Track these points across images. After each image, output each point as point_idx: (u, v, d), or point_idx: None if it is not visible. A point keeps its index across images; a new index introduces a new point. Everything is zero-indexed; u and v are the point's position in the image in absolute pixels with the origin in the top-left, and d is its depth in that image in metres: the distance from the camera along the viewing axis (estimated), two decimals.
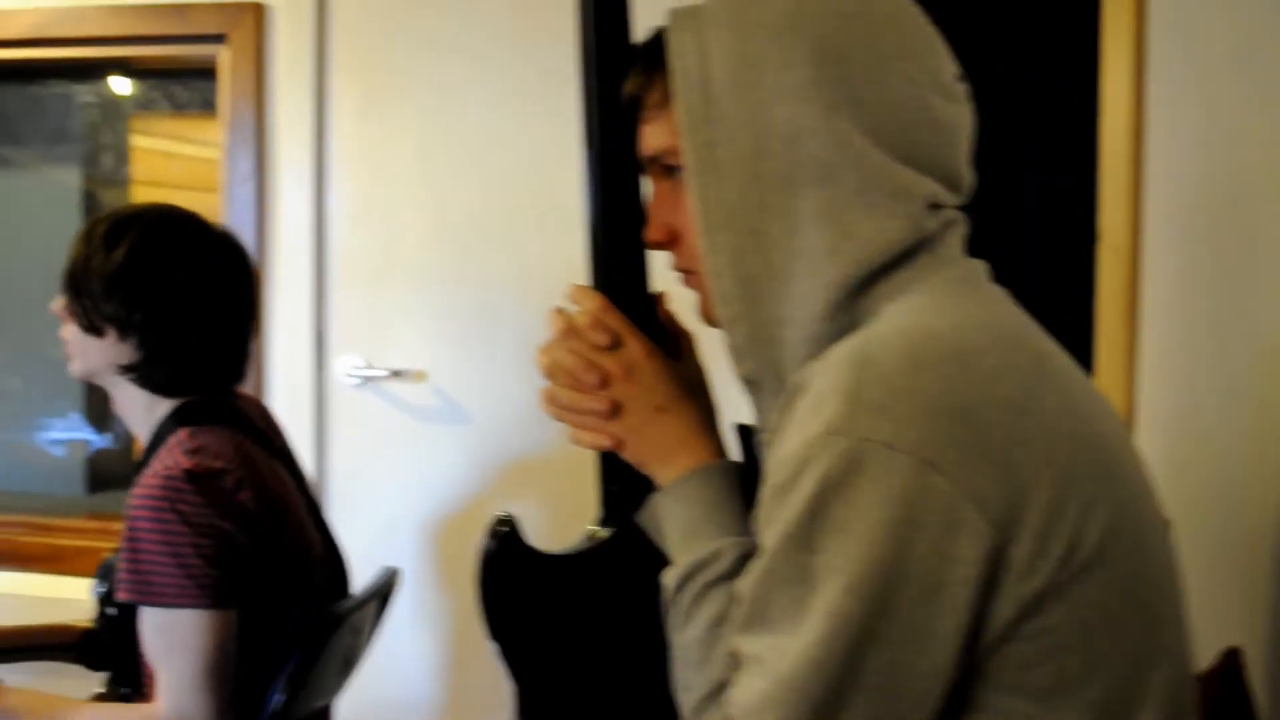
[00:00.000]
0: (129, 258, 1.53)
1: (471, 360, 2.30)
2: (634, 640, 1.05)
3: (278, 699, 1.52)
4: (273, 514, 1.56)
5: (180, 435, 1.52)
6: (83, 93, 2.97)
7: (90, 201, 3.01)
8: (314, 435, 2.36)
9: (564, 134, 2.22)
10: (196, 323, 1.57)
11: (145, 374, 1.57)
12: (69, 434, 3.11)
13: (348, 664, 1.73)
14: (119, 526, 2.60)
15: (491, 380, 2.30)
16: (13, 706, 1.52)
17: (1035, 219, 2.09)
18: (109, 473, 3.10)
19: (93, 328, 1.56)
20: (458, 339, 2.30)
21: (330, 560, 1.73)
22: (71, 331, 1.60)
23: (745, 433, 1.10)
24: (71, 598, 2.48)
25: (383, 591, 1.77)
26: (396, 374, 2.32)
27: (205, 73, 2.62)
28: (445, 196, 2.29)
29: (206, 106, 2.69)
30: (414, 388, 2.32)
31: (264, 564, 1.52)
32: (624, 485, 1.06)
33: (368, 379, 2.33)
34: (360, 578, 1.79)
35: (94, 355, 1.58)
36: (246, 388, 2.35)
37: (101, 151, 3.05)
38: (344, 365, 2.34)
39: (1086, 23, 2.00)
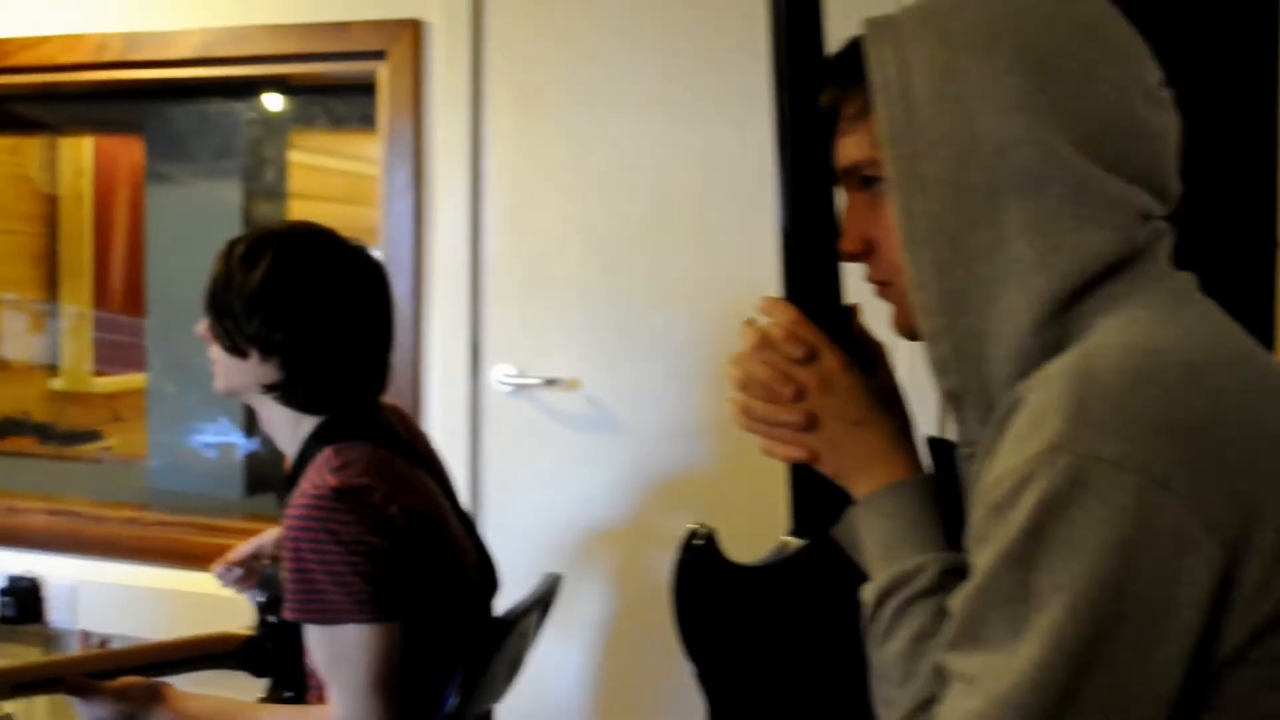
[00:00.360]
0: (267, 278, 1.55)
1: (624, 370, 2.32)
2: (827, 653, 1.05)
3: (452, 702, 1.56)
4: (421, 524, 1.57)
5: (326, 454, 1.55)
6: (243, 110, 3.07)
7: (250, 216, 3.11)
8: (468, 443, 2.40)
9: (715, 146, 2.25)
10: (337, 340, 1.59)
11: (288, 392, 1.59)
12: (220, 438, 3.22)
13: (513, 668, 1.76)
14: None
15: (644, 390, 2.31)
16: (190, 712, 1.57)
17: (1211, 223, 2.03)
18: (265, 475, 3.20)
19: (235, 349, 1.59)
20: (611, 348, 2.32)
21: (481, 563, 1.75)
22: (216, 352, 1.63)
23: (937, 446, 1.08)
24: (233, 596, 2.57)
25: (547, 597, 1.80)
26: (550, 382, 2.34)
27: (361, 88, 2.69)
28: (599, 207, 2.31)
29: (363, 121, 2.77)
30: (567, 396, 2.35)
31: (417, 574, 1.54)
32: (816, 497, 1.06)
33: (521, 387, 2.36)
34: (510, 583, 1.81)
35: (238, 375, 1.61)
36: (405, 397, 2.43)
37: (261, 166, 3.14)
38: (498, 374, 2.37)
39: (1265, 20, 1.93)
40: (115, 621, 2.67)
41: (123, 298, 4.24)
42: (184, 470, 3.19)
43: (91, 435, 4.07)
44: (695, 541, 1.10)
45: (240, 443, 3.20)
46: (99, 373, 4.20)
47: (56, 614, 2.73)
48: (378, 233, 2.52)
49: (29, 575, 2.74)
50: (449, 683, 1.57)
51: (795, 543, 1.09)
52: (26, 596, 2.73)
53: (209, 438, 3.21)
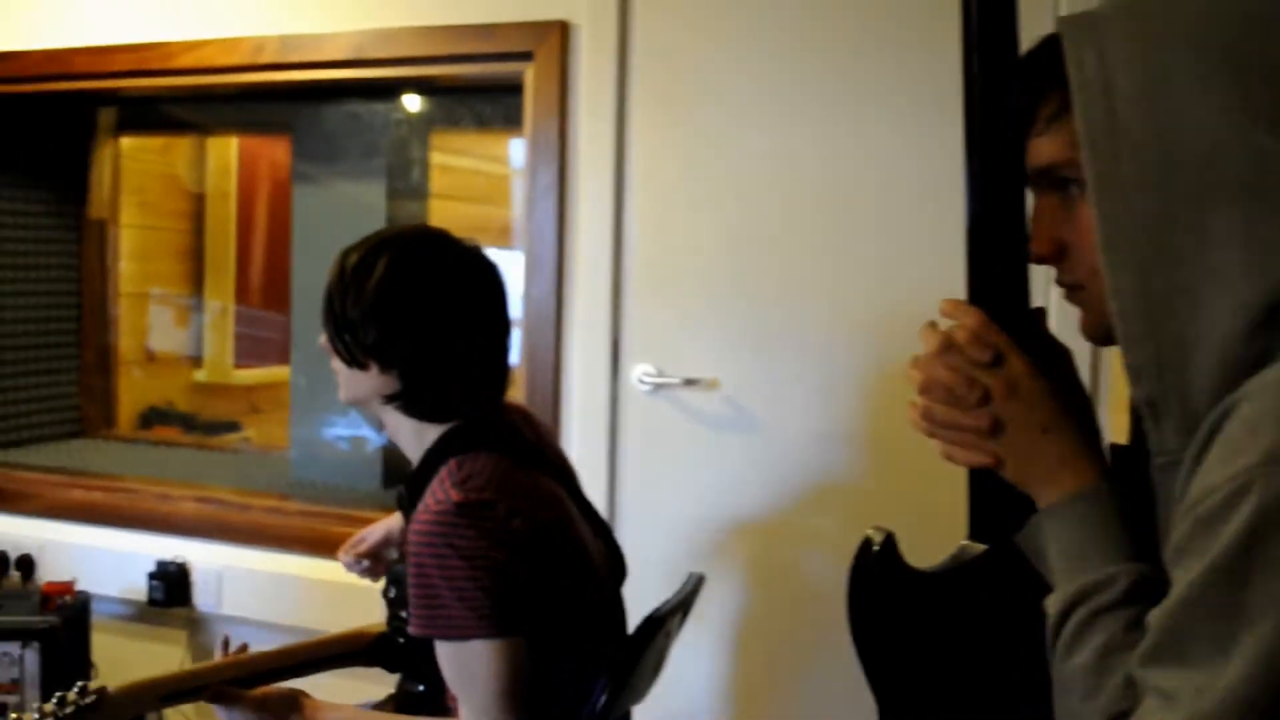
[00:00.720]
0: (381, 289, 1.53)
1: (764, 371, 2.31)
2: (1004, 662, 1.03)
3: (601, 701, 1.55)
4: (547, 534, 1.55)
5: (450, 466, 1.53)
6: (387, 110, 3.13)
7: (393, 215, 3.17)
8: (606, 441, 2.41)
9: (862, 147, 2.23)
10: (455, 347, 1.56)
11: (409, 403, 1.58)
12: (356, 431, 3.29)
13: (656, 668, 1.76)
14: None
15: (783, 392, 2.29)
16: None
17: None
18: (402, 468, 3.25)
19: (355, 361, 1.58)
20: (751, 349, 2.31)
21: (611, 558, 1.74)
22: (338, 363, 1.62)
23: (1122, 454, 1.06)
24: (375, 585, 2.62)
25: (690, 597, 1.80)
26: (689, 382, 2.34)
27: (502, 88, 2.73)
28: (743, 208, 2.31)
29: (506, 122, 2.81)
30: (706, 396, 2.35)
31: (543, 586, 1.52)
32: (995, 502, 1.04)
33: (660, 387, 2.37)
34: (644, 581, 1.80)
35: (359, 386, 1.60)
36: (544, 396, 2.45)
37: (404, 166, 3.21)
38: (638, 373, 2.38)
39: None
40: (257, 607, 2.74)
41: (263, 293, 4.37)
42: (323, 461, 3.27)
43: (231, 426, 4.20)
44: (874, 545, 1.08)
45: (371, 436, 3.27)
46: (239, 366, 4.34)
47: (202, 598, 2.82)
48: (511, 232, 2.55)
49: (177, 560, 2.84)
50: (588, 685, 1.56)
51: (975, 548, 1.07)
52: (174, 580, 2.83)
53: (346, 431, 3.28)
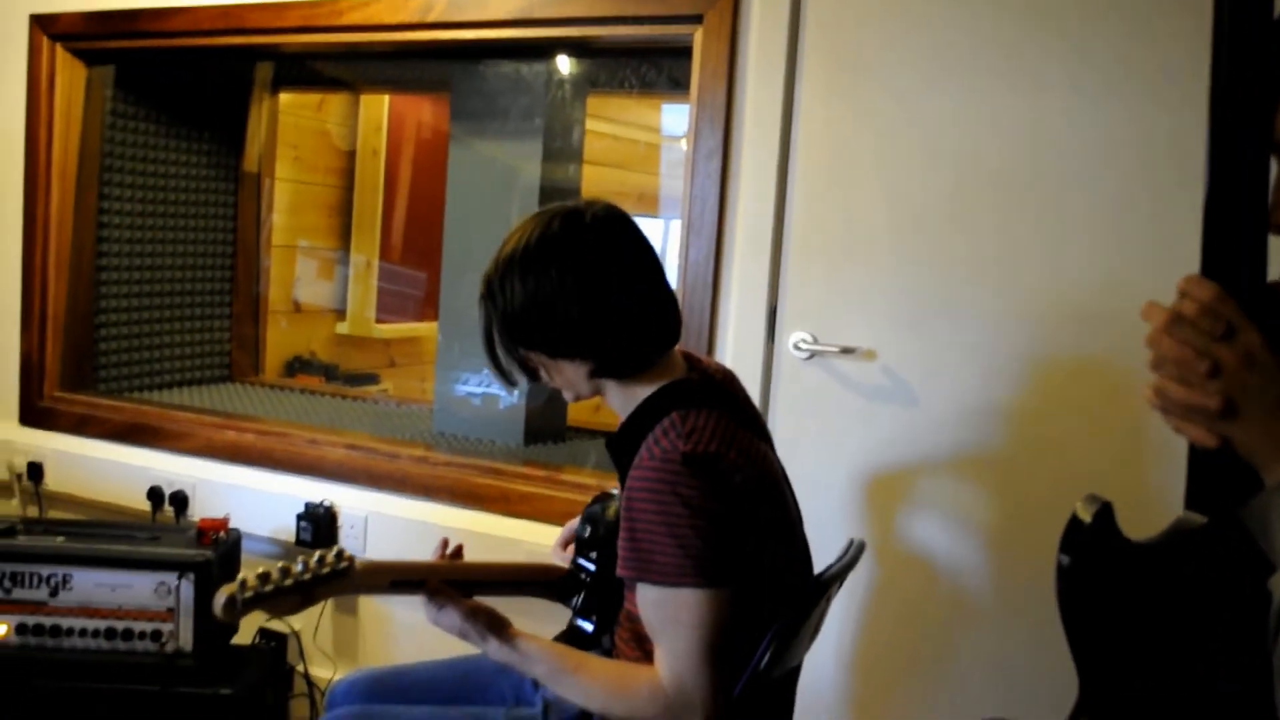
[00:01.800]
0: (527, 294, 1.58)
1: (923, 344, 2.28)
2: (1216, 640, 1.01)
3: (765, 658, 1.57)
4: (763, 492, 1.59)
5: (673, 418, 1.58)
6: (545, 71, 3.16)
7: (547, 177, 3.20)
8: (760, 406, 2.40)
9: (1043, 120, 2.17)
10: (616, 306, 1.60)
11: (609, 371, 1.64)
12: (482, 389, 3.34)
13: (816, 630, 1.77)
14: (562, 477, 2.78)
15: (941, 366, 2.27)
16: (523, 649, 1.63)
17: None
18: (542, 426, 3.31)
19: (546, 365, 1.65)
20: (911, 321, 2.29)
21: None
22: (544, 375, 1.69)
23: None
24: (516, 538, 2.67)
25: (851, 563, 1.79)
26: (846, 351, 2.33)
27: (663, 51, 2.73)
28: (911, 178, 2.28)
29: (668, 85, 2.81)
30: (862, 366, 2.33)
31: (757, 541, 1.56)
32: (1218, 475, 1.02)
33: (816, 354, 2.36)
34: None
35: (571, 379, 1.67)
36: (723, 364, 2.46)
37: (560, 128, 3.23)
38: (794, 340, 2.37)
39: None
40: (401, 553, 2.80)
41: (406, 250, 4.46)
42: (465, 416, 3.33)
43: (370, 378, 4.31)
44: (1089, 516, 1.06)
45: (501, 395, 3.32)
46: (379, 320, 4.44)
47: (348, 541, 2.89)
48: (658, 200, 2.56)
49: (325, 503, 2.92)
50: (758, 643, 1.58)
51: (1195, 519, 1.05)
52: (322, 522, 2.91)
53: (471, 388, 3.34)
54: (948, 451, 2.28)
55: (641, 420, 1.63)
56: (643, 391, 1.65)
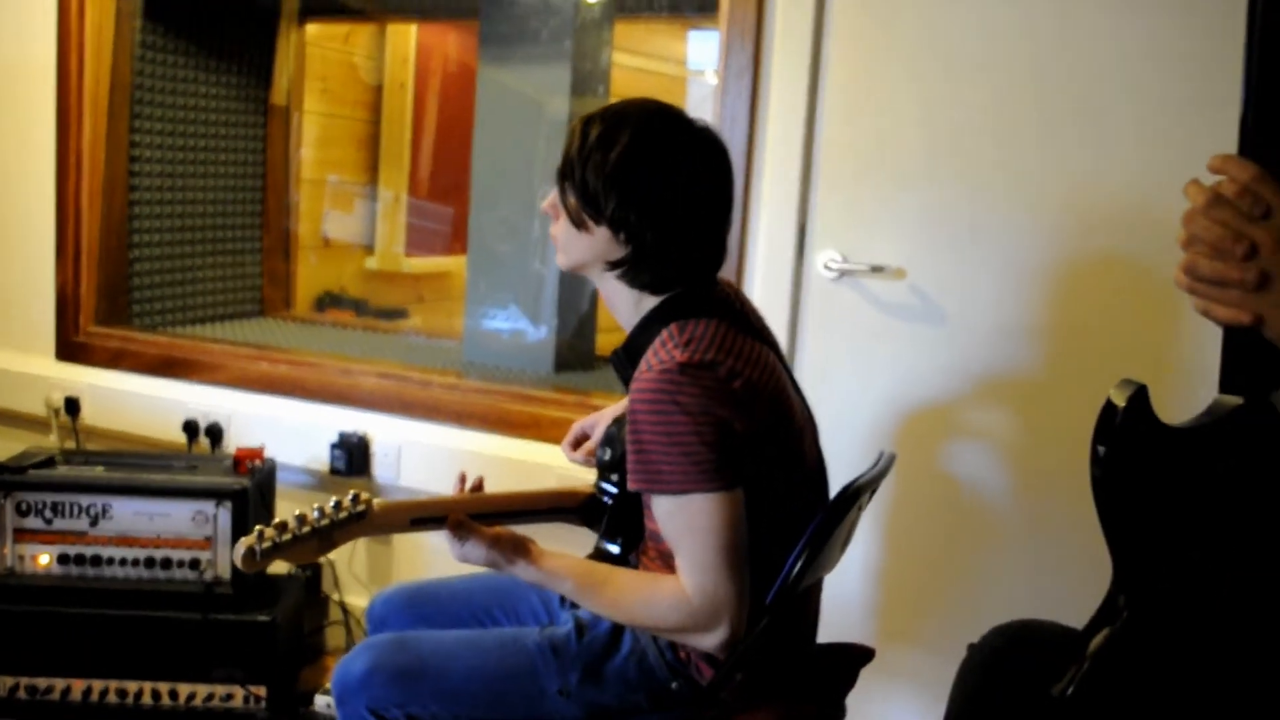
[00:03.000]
0: (626, 157, 1.58)
1: (953, 262, 2.26)
2: (1252, 521, 1.00)
3: (794, 567, 1.58)
4: (763, 398, 1.60)
5: (671, 329, 1.59)
6: None
7: (575, 108, 3.18)
8: (788, 326, 2.40)
9: (1078, 35, 2.13)
10: (685, 223, 1.61)
11: (633, 271, 1.64)
12: (509, 324, 3.34)
13: (846, 540, 1.77)
14: (592, 401, 2.79)
15: (972, 285, 2.25)
16: (550, 568, 1.65)
17: None
18: (570, 356, 3.31)
19: (583, 224, 1.63)
20: (941, 240, 2.27)
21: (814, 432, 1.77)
22: (561, 226, 1.68)
23: None
24: (548, 463, 2.68)
25: (882, 474, 1.79)
26: (875, 270, 2.31)
27: None
28: (942, 92, 2.25)
29: (699, 10, 2.77)
30: (891, 285, 2.31)
31: (761, 446, 1.57)
32: (1252, 358, 1.00)
33: (845, 273, 2.34)
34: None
35: (583, 250, 1.66)
36: (727, 278, 2.44)
37: (588, 57, 3.20)
38: (823, 259, 2.36)
39: None
40: (434, 480, 2.82)
41: (433, 185, 4.45)
42: (494, 349, 3.34)
43: (399, 313, 4.32)
44: (1124, 400, 1.05)
45: (527, 329, 3.32)
46: (408, 254, 4.45)
47: (381, 469, 2.92)
48: (712, 112, 2.53)
49: (358, 433, 2.94)
50: (785, 552, 1.60)
51: (1229, 401, 1.03)
52: (356, 451, 2.94)
53: (498, 323, 3.34)
54: (978, 370, 2.27)
55: (645, 333, 1.64)
56: (650, 303, 1.66)
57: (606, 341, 3.46)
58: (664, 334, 1.59)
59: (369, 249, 4.43)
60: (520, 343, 3.31)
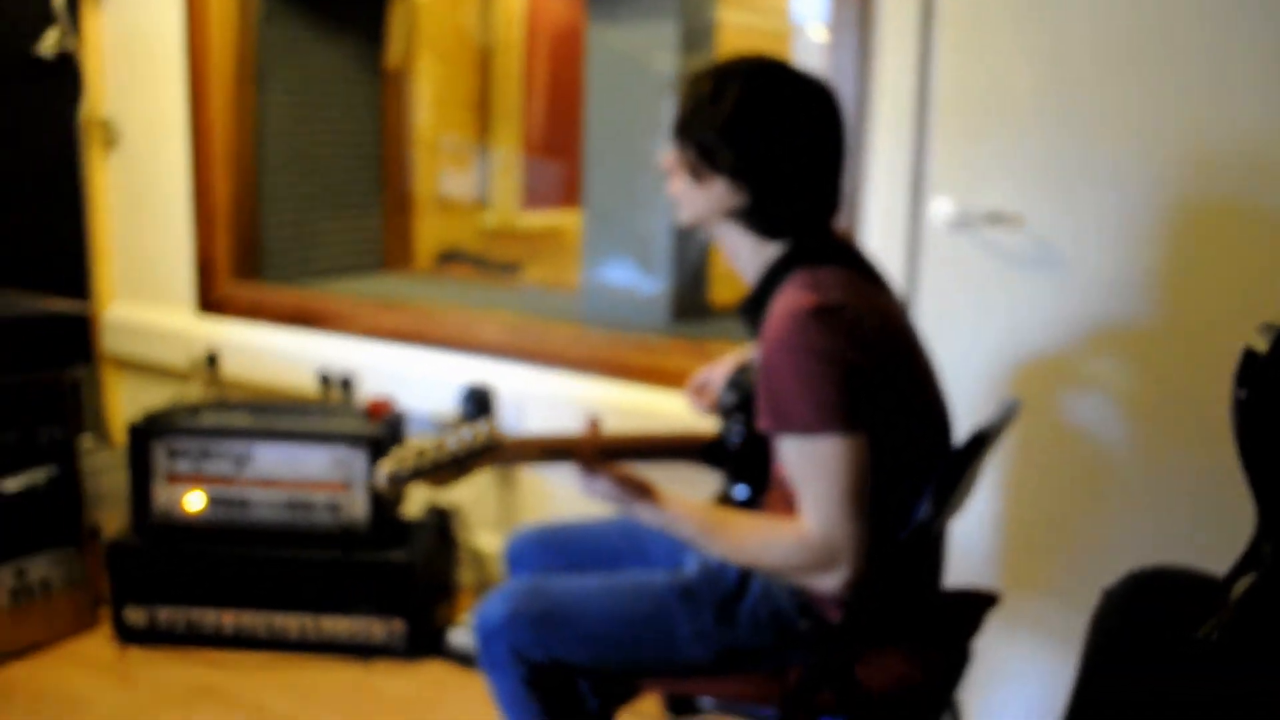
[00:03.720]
0: (738, 107, 1.63)
1: (1073, 210, 2.26)
2: None
3: (919, 516, 1.63)
4: (891, 342, 1.65)
5: (799, 275, 1.64)
6: None
7: (683, 66, 3.22)
8: (904, 277, 2.44)
9: None
10: (800, 167, 1.66)
11: (753, 219, 1.68)
12: (624, 277, 3.42)
13: (972, 486, 1.81)
14: (710, 348, 2.86)
15: (1092, 234, 2.24)
16: (673, 510, 1.70)
17: None
18: (685, 308, 3.39)
19: (701, 178, 1.68)
20: (1061, 186, 2.27)
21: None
22: (679, 183, 1.73)
23: None
24: (667, 411, 2.76)
25: (1007, 421, 1.83)
26: (992, 218, 2.33)
27: None
28: (1059, 36, 2.23)
29: None
30: (1008, 234, 2.33)
31: (888, 390, 1.61)
32: None
33: (963, 222, 2.37)
34: None
35: (702, 204, 1.70)
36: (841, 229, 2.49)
37: (694, 10, 3.24)
38: (939, 207, 2.38)
39: None
40: (556, 427, 2.92)
41: (545, 141, 4.55)
42: (611, 301, 3.42)
43: (513, 267, 4.44)
44: (1266, 345, 1.08)
45: (640, 283, 3.39)
46: (522, 210, 4.55)
47: (506, 417, 3.03)
48: (823, 61, 2.55)
49: (483, 381, 3.05)
50: (914, 499, 1.64)
51: None
52: (481, 400, 3.04)
53: (629, 274, 3.41)
54: (1096, 318, 2.27)
55: (770, 280, 1.69)
56: (772, 250, 1.70)
57: (720, 294, 3.52)
58: (792, 280, 1.64)
59: (483, 206, 4.54)
60: (635, 295, 3.39)
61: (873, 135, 2.46)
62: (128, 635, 2.90)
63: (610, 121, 3.33)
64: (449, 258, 4.31)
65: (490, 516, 3.18)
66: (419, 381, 3.16)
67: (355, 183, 4.02)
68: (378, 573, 2.84)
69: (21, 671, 2.78)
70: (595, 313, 3.41)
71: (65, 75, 3.50)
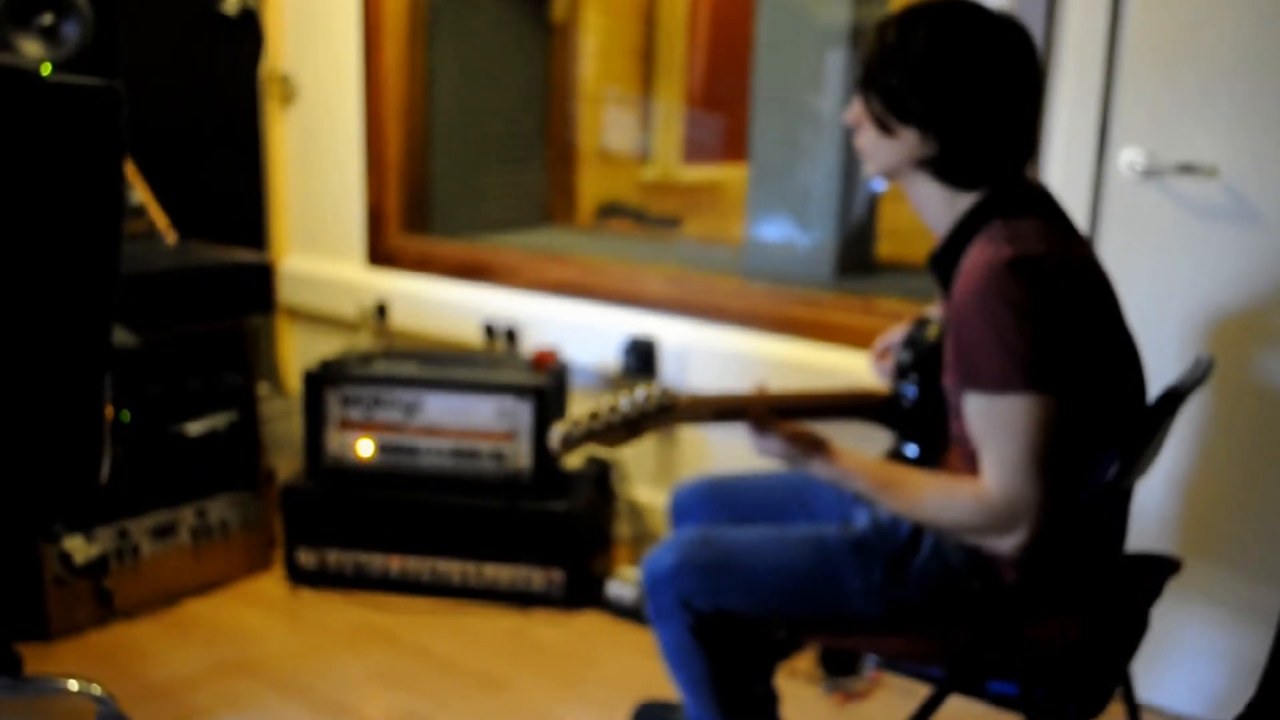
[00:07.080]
0: (926, 53, 1.57)
1: (1272, 158, 2.14)
2: None
3: (1113, 471, 1.56)
4: (1090, 297, 1.58)
5: (996, 226, 1.57)
6: None
7: (857, 17, 3.15)
8: (1087, 228, 2.34)
9: None
10: (992, 112, 1.59)
11: (945, 167, 1.62)
12: (789, 231, 3.37)
13: (1160, 446, 1.73)
14: (876, 304, 2.80)
15: None
16: (847, 466, 1.68)
17: None
18: (852, 261, 3.33)
19: (889, 128, 1.62)
20: (1261, 134, 2.14)
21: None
22: (867, 136, 1.67)
23: None
24: (832, 367, 2.72)
25: (1203, 378, 1.74)
26: (1185, 169, 2.21)
27: None
28: None
29: None
30: (1202, 185, 2.21)
31: (1086, 345, 1.54)
32: None
33: (1151, 173, 2.26)
34: None
35: (891, 154, 1.65)
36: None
37: None
38: (1127, 157, 2.27)
39: None
40: (720, 381, 2.91)
41: (708, 94, 4.51)
42: (774, 254, 3.38)
43: (673, 222, 4.43)
44: None
45: (799, 238, 3.34)
46: (682, 165, 4.54)
47: (668, 371, 3.03)
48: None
49: (646, 334, 3.06)
50: (1101, 458, 1.57)
51: None
52: (644, 353, 3.06)
53: (794, 228, 3.36)
54: None
55: (964, 230, 1.63)
56: (965, 201, 1.64)
57: (887, 250, 3.45)
58: (990, 230, 1.58)
59: (645, 159, 4.54)
60: (800, 249, 3.34)
61: (1059, 81, 2.36)
62: (299, 576, 3.01)
63: (778, 74, 3.28)
64: (609, 211, 4.32)
65: (649, 470, 3.19)
66: (582, 334, 3.18)
67: (519, 136, 4.06)
68: (539, 522, 2.88)
69: (201, 607, 2.91)
70: (758, 267, 3.37)
71: (247, 32, 3.61)
